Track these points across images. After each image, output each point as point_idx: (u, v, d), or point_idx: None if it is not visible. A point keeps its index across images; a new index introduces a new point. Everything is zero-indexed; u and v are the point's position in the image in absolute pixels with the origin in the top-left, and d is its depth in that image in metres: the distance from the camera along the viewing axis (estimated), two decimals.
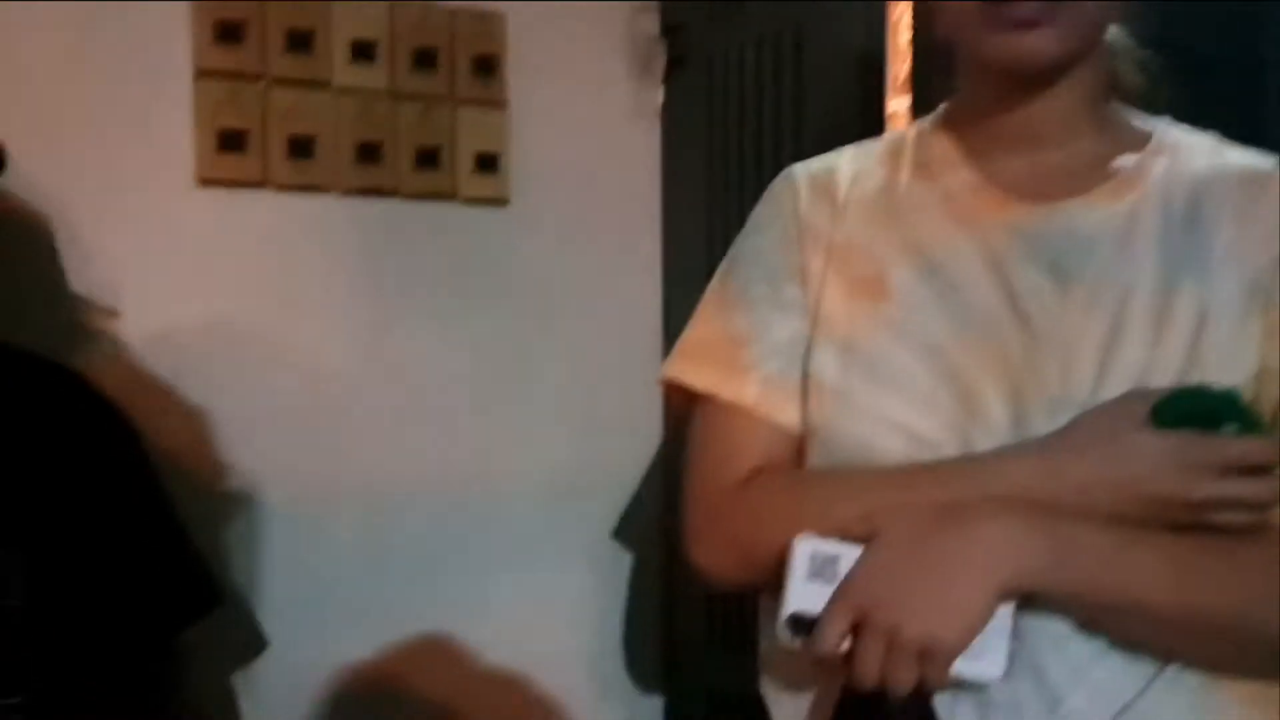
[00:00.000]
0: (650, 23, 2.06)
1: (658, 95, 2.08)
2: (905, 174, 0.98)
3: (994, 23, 0.86)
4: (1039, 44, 0.86)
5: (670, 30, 2.05)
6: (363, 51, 1.76)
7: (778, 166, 1.82)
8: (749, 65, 1.90)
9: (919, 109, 1.56)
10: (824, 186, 0.99)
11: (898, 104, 1.89)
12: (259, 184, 1.70)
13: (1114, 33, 0.99)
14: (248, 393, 1.71)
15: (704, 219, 1.98)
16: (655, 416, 2.02)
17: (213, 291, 1.70)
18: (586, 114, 2.00)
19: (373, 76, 1.78)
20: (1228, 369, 0.84)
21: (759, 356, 0.95)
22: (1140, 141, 0.94)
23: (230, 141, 1.67)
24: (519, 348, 1.93)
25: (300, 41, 1.72)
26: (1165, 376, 0.83)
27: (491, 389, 1.91)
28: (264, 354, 1.73)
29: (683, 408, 1.00)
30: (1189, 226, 0.89)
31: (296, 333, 1.76)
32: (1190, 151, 0.94)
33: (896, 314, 0.91)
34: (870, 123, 1.69)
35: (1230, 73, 1.93)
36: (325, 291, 1.78)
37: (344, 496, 1.79)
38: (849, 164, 1.01)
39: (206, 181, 1.68)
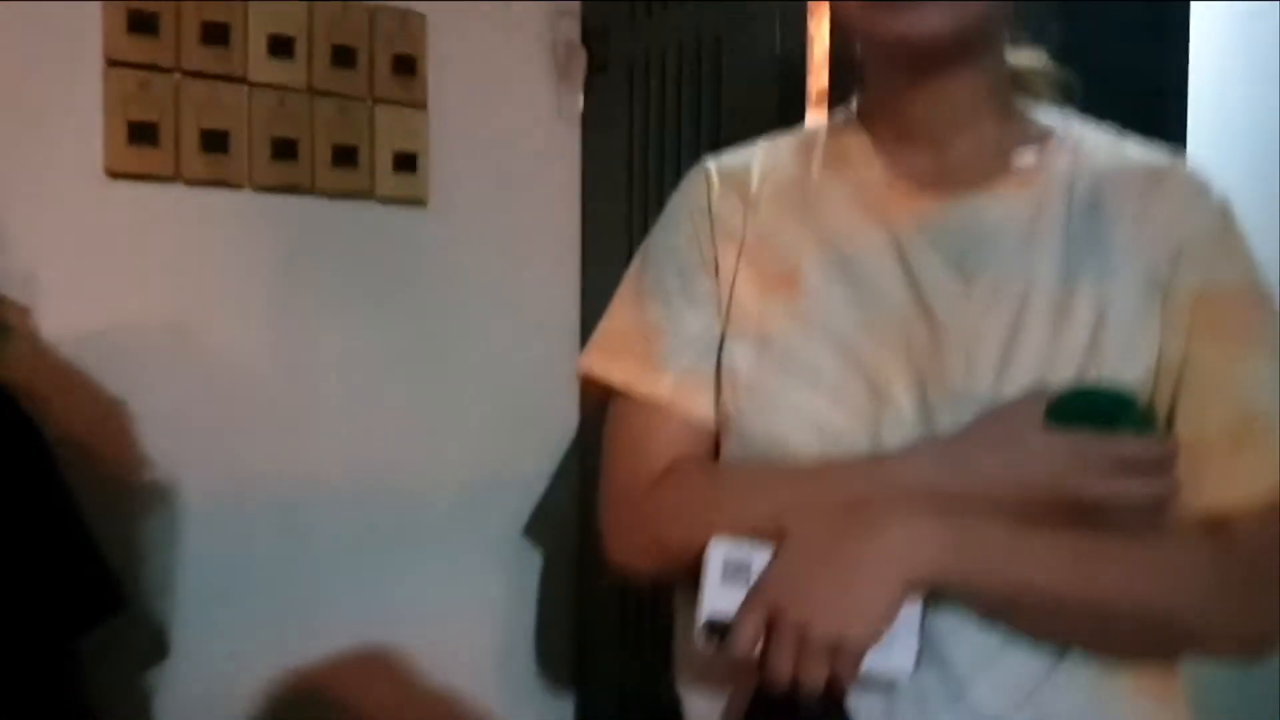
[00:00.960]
0: (572, 27, 2.07)
1: (578, 98, 2.09)
2: (817, 167, 0.98)
3: (877, 2, 0.87)
4: (921, 20, 0.86)
5: (592, 34, 2.06)
6: (280, 47, 1.74)
7: None
8: (670, 70, 1.92)
9: None
10: (736, 180, 1.00)
11: (814, 117, 1.92)
12: (170, 177, 1.67)
13: (1015, 29, 1.00)
14: (158, 389, 1.68)
15: (623, 222, 2.00)
16: (570, 416, 2.03)
17: (123, 285, 1.66)
18: (507, 116, 2.00)
19: (290, 72, 1.76)
20: (1126, 363, 0.86)
21: (673, 349, 0.96)
22: (1043, 135, 0.96)
23: (141, 134, 1.64)
24: (435, 346, 1.92)
25: (216, 35, 1.69)
26: (1065, 371, 0.85)
27: (406, 387, 1.90)
28: (175, 350, 1.70)
29: (599, 401, 1.00)
30: (1090, 220, 0.91)
31: (208, 329, 1.73)
32: (1092, 146, 0.95)
33: (808, 307, 0.92)
34: (789, 128, 1.71)
35: (1127, 83, 2.00)
36: (238, 288, 1.75)
37: (254, 493, 1.76)
38: (762, 158, 1.01)
39: (116, 174, 1.64)
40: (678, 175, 1.86)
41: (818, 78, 1.73)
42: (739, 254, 0.96)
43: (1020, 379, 0.85)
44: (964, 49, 0.91)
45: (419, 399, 1.91)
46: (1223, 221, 0.91)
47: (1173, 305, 0.88)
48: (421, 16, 1.88)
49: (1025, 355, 0.86)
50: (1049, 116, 0.99)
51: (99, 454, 1.60)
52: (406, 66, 1.86)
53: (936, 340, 0.88)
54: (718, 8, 1.82)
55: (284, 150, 1.75)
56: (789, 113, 1.73)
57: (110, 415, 1.63)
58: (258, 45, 1.72)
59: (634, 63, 1.99)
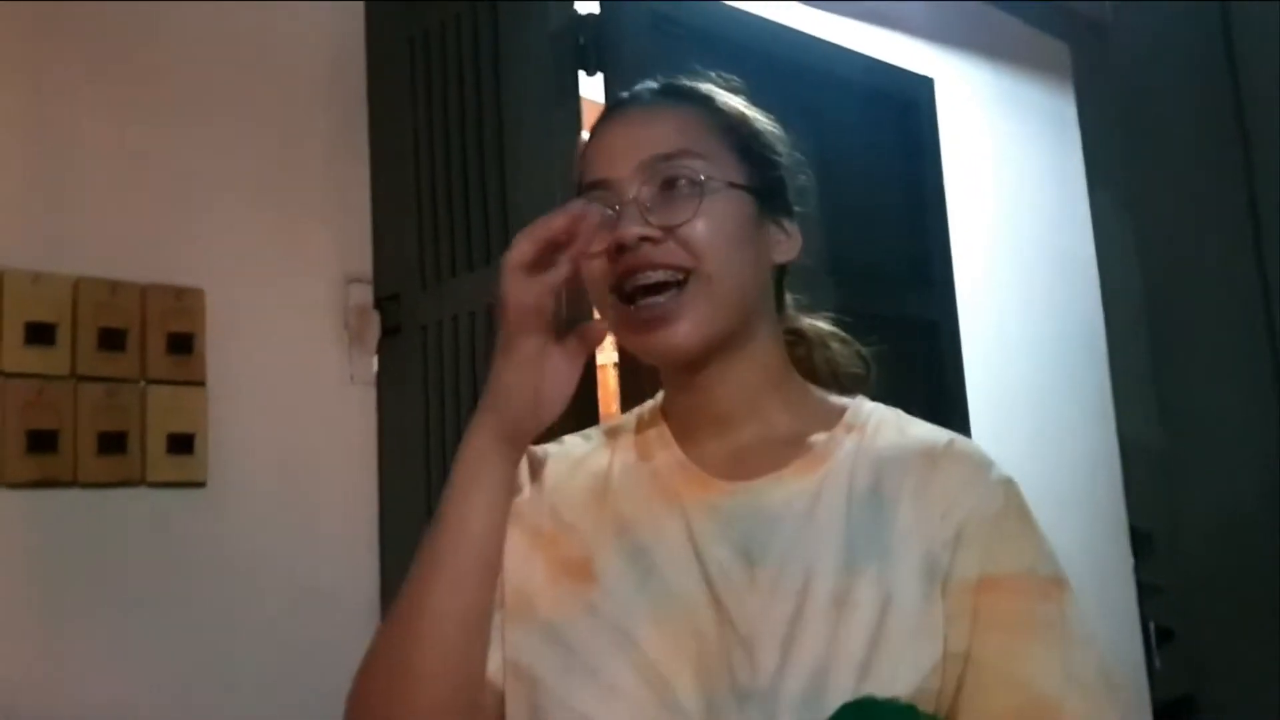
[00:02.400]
0: (363, 293, 2.03)
1: (372, 362, 2.03)
2: (621, 455, 0.99)
3: (631, 324, 0.92)
4: (671, 339, 0.90)
5: (384, 301, 2.03)
6: (40, 334, 1.64)
7: None
8: (463, 332, 1.89)
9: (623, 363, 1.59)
10: (534, 465, 1.00)
11: (608, 356, 1.92)
12: None
13: (807, 319, 1.05)
14: None
15: (422, 487, 1.92)
16: None
17: None
18: (294, 387, 1.93)
19: (51, 359, 1.65)
20: (910, 657, 0.84)
21: None
22: (833, 418, 0.97)
23: None
24: (221, 645, 1.76)
25: None
26: (847, 666, 0.83)
27: (191, 695, 1.72)
28: None
29: None
30: (872, 504, 0.90)
31: None
32: (879, 427, 0.96)
33: (599, 599, 0.90)
34: (581, 387, 1.69)
35: (904, 330, 2.11)
36: None
37: None
38: (564, 448, 1.02)
39: None
40: None
41: (607, 352, 1.73)
42: (533, 542, 0.95)
43: (799, 675, 0.83)
44: (729, 345, 0.94)
45: (204, 709, 1.73)
46: (1003, 500, 0.91)
47: (954, 594, 0.87)
48: (199, 292, 1.81)
49: (803, 650, 0.84)
50: (840, 398, 1.01)
51: None
52: (183, 344, 1.77)
53: (724, 632, 0.86)
54: None
55: (42, 442, 1.62)
56: (583, 378, 1.70)
57: None
58: (13, 334, 1.62)
59: (427, 326, 1.96)
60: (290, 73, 1.98)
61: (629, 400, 1.70)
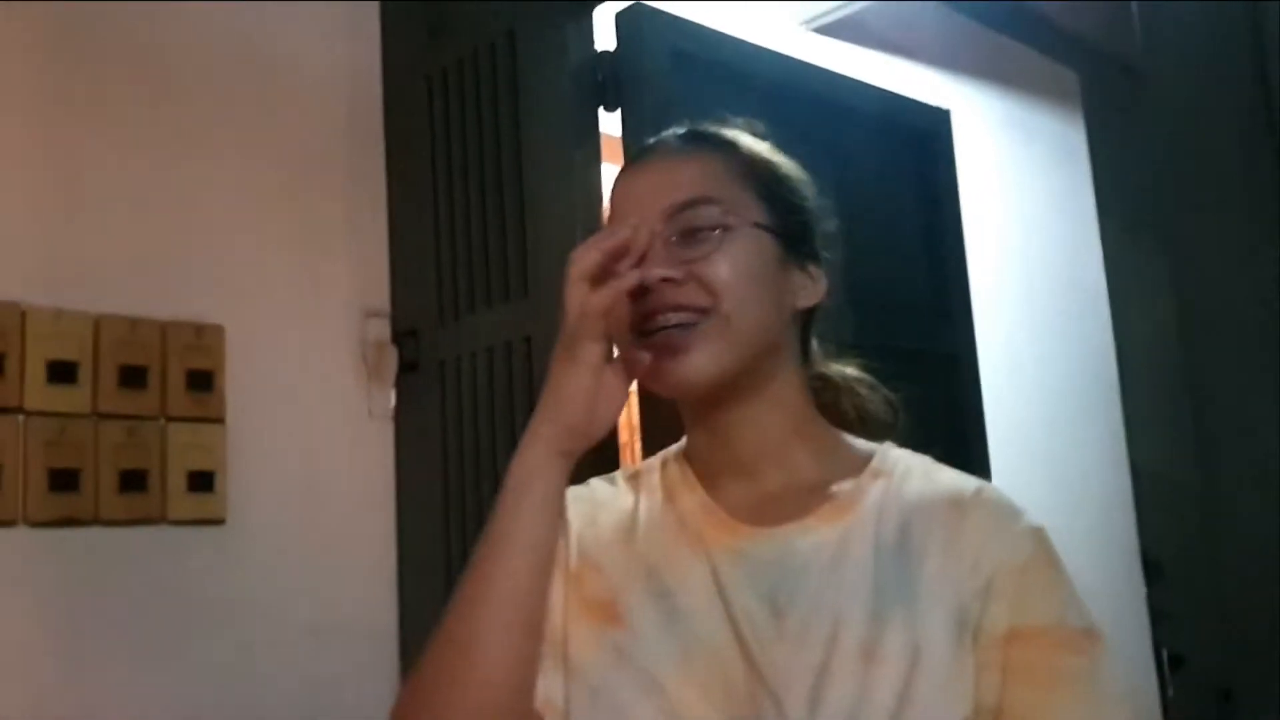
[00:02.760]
0: (381, 328, 2.04)
1: (390, 397, 2.03)
2: (647, 497, 0.99)
3: (648, 355, 0.92)
4: (683, 369, 0.91)
5: (402, 336, 2.03)
6: (61, 372, 1.64)
7: None
8: (481, 367, 1.90)
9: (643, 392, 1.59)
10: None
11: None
12: None
13: (835, 365, 1.05)
14: None
15: (440, 522, 1.92)
16: None
17: None
18: (313, 422, 1.93)
19: (72, 398, 1.65)
20: (942, 708, 0.83)
21: None
22: (860, 465, 0.96)
23: None
24: (241, 682, 1.76)
25: None
26: (876, 717, 0.82)
27: None
28: None
29: None
30: (900, 554, 0.90)
31: None
32: (906, 474, 0.95)
33: (626, 642, 0.90)
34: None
35: (924, 363, 2.11)
36: (11, 636, 1.58)
37: None
38: (590, 489, 1.02)
39: None
40: (494, 470, 1.83)
41: None
42: (564, 584, 0.95)
43: None
44: (748, 388, 0.94)
45: None
46: (1032, 550, 0.90)
47: (983, 646, 0.86)
48: (219, 328, 1.81)
49: (833, 698, 0.83)
50: (867, 445, 1.00)
51: None
52: (202, 381, 1.78)
53: (751, 679, 0.85)
54: (522, 311, 1.82)
55: (64, 481, 1.62)
56: None
57: None
58: (35, 373, 1.62)
59: (445, 361, 1.96)
60: (309, 109, 1.99)
61: (647, 429, 1.70)
